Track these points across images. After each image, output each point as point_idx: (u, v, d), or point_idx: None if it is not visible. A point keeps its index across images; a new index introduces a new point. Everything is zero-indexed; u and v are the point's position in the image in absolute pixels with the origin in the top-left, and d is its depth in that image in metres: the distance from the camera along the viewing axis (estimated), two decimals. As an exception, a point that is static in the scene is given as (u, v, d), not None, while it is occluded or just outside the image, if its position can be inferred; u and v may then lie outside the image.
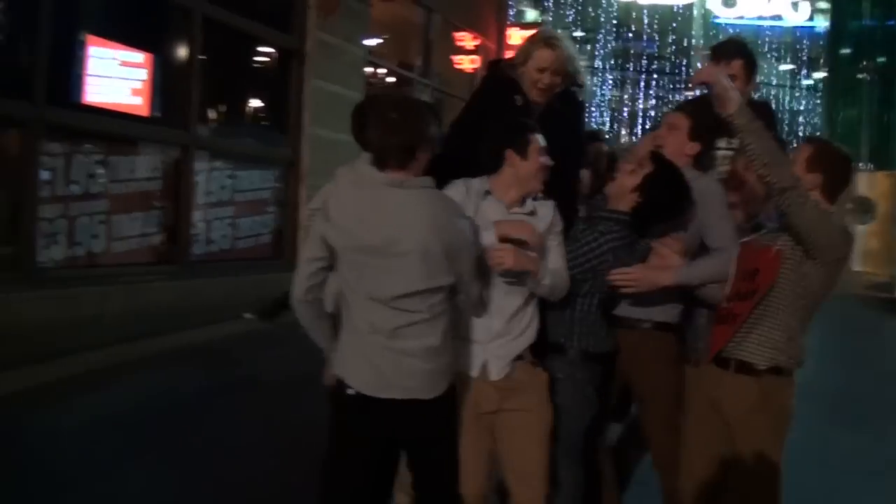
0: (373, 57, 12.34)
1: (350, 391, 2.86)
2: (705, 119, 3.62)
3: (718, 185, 3.67)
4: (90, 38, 7.28)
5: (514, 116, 3.51)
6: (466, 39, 15.12)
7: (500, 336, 3.19)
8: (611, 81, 35.90)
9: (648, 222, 3.48)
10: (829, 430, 6.24)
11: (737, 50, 4.09)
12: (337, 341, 2.97)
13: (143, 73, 7.79)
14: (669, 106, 35.78)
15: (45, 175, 6.70)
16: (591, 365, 3.49)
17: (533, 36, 3.73)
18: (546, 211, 3.34)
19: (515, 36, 15.97)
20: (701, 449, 3.42)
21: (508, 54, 15.80)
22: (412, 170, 2.84)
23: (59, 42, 6.83)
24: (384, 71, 13.00)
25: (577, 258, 3.40)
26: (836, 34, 28.48)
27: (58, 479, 4.27)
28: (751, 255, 3.36)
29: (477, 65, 15.25)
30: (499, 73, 3.81)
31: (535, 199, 3.31)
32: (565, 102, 3.76)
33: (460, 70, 15.38)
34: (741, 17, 33.72)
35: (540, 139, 3.27)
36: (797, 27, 34.51)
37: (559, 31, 3.95)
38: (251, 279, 8.76)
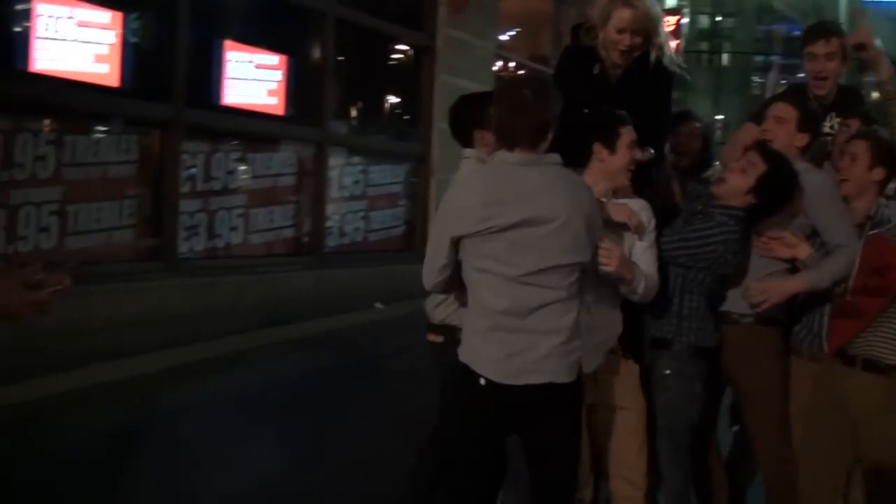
0: (503, 51, 12.43)
1: (482, 381, 2.77)
2: (811, 109, 3.63)
3: (831, 180, 3.57)
4: (227, 42, 7.72)
5: (600, 104, 3.47)
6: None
7: (589, 328, 3.11)
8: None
9: (761, 219, 3.45)
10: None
11: (836, 29, 4.06)
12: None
13: (279, 75, 8.19)
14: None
15: (188, 172, 7.20)
16: (698, 360, 3.45)
17: None
18: (637, 209, 3.29)
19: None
20: (825, 450, 3.36)
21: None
22: (541, 149, 2.83)
23: (199, 47, 7.30)
24: (514, 65, 13.04)
25: (686, 244, 3.37)
26: None
27: (188, 450, 4.63)
28: (881, 250, 3.29)
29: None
30: (576, 41, 3.77)
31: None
32: (653, 73, 3.68)
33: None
34: (892, -5, 31.95)
35: (630, 131, 3.24)
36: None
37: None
38: (383, 270, 9.03)
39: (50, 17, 6.05)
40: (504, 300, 2.76)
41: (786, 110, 3.57)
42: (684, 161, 4.18)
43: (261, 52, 8.02)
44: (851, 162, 3.43)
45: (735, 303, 3.50)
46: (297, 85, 8.39)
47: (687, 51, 35.14)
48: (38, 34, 6.01)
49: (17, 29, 6.04)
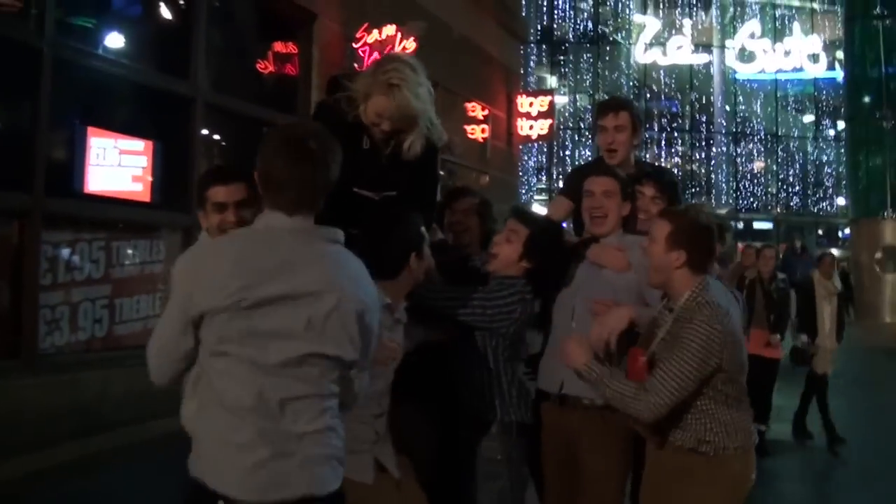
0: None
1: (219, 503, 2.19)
2: (625, 179, 3.69)
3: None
4: (91, 128, 7.54)
5: (370, 184, 3.23)
6: (476, 109, 15.32)
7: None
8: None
9: (543, 285, 3.45)
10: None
11: (625, 103, 4.25)
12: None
13: (144, 161, 8.03)
14: (693, 163, 35.95)
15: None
16: (523, 440, 3.37)
17: (375, 72, 3.26)
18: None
19: (524, 104, 16.18)
20: None
21: (519, 122, 16.14)
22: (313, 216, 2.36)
23: (61, 133, 7.12)
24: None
25: (483, 303, 3.25)
26: (854, 83, 28.41)
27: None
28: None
29: (487, 134, 15.44)
30: (331, 106, 3.34)
31: None
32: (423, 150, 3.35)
33: (473, 139, 15.57)
34: (761, 72, 33.96)
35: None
36: (818, 79, 34.66)
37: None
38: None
39: None
40: (249, 394, 2.20)
41: (611, 184, 3.59)
42: (465, 238, 4.02)
43: (125, 137, 7.84)
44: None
45: (582, 387, 3.30)
46: (165, 170, 8.23)
47: (566, 128, 36.44)
48: None
49: None
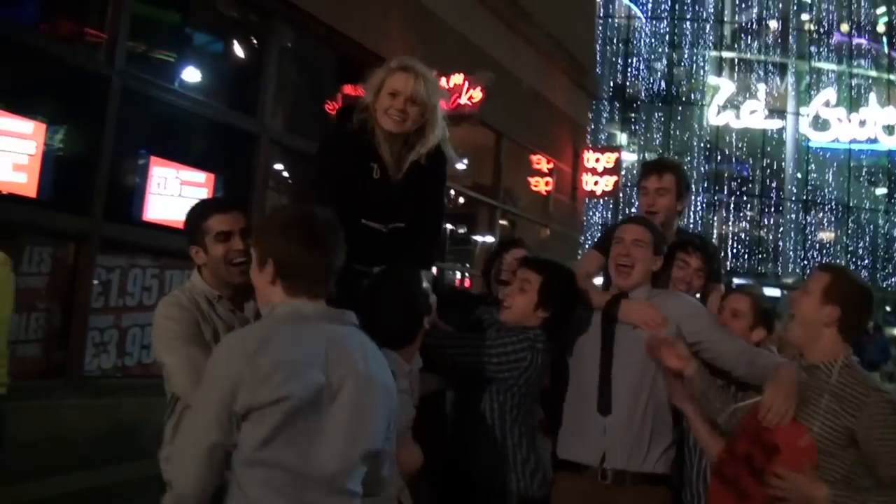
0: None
1: None
2: (662, 233, 3.58)
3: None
4: (154, 158, 7.71)
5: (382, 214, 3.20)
6: (541, 162, 15.31)
7: None
8: (702, 203, 35.66)
9: (560, 333, 3.34)
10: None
11: (671, 165, 4.11)
12: None
13: (204, 192, 8.16)
14: (761, 229, 35.35)
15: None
16: None
17: (388, 63, 3.32)
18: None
19: (591, 159, 16.12)
20: None
21: (584, 177, 16.05)
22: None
23: (122, 161, 7.28)
24: (452, 192, 13.24)
25: (492, 351, 3.15)
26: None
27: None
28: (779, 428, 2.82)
29: (551, 187, 15.40)
30: (346, 135, 3.26)
31: None
32: (432, 161, 3.34)
33: (537, 192, 15.54)
34: (835, 140, 33.39)
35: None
36: (892, 150, 33.93)
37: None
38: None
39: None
40: None
41: (643, 233, 3.46)
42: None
43: (188, 168, 7.98)
44: (733, 318, 3.43)
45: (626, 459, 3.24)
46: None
47: (633, 185, 36.19)
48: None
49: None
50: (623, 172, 35.94)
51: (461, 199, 13.67)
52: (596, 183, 16.02)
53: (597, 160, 16.07)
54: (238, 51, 9.12)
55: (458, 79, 10.52)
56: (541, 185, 15.57)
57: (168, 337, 2.78)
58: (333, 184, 3.17)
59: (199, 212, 2.98)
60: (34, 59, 6.59)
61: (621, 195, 33.42)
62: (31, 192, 6.48)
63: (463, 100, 10.43)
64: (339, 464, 2.12)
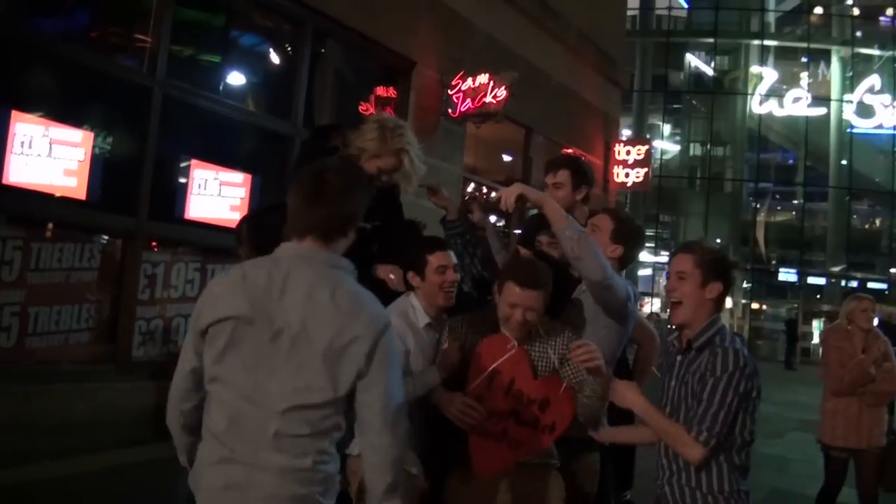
0: (474, 175, 13.10)
1: None
2: (628, 223, 3.99)
3: None
4: (194, 161, 8.31)
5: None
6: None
7: None
8: (747, 193, 35.53)
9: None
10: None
11: (563, 161, 4.57)
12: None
13: (242, 192, 8.74)
14: (806, 217, 35.08)
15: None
16: None
17: (382, 132, 3.85)
18: None
19: (622, 151, 16.41)
20: None
21: (615, 170, 16.37)
22: (337, 248, 2.54)
23: (166, 164, 7.89)
24: (485, 188, 13.69)
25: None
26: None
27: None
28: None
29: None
30: (323, 143, 3.94)
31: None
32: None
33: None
34: (879, 126, 33.10)
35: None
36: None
37: None
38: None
39: (25, 135, 6.62)
40: (224, 421, 2.38)
41: (603, 220, 3.95)
42: None
43: (226, 170, 8.57)
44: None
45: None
46: (262, 202, 8.88)
47: (678, 176, 36.19)
48: (13, 150, 6.56)
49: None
50: (665, 164, 36.22)
51: (493, 194, 14.12)
52: (627, 175, 16.29)
53: (627, 152, 16.34)
54: (273, 57, 9.69)
55: (483, 78, 10.93)
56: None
57: None
58: None
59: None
60: (81, 72, 7.18)
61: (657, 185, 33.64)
62: (81, 194, 7.09)
63: (488, 98, 10.84)
64: (283, 403, 2.35)
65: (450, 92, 11.19)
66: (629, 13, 33.20)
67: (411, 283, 3.75)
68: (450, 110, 11.17)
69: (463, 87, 11.11)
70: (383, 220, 3.96)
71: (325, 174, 2.51)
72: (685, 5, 36.48)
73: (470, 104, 11.06)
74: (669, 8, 35.52)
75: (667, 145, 36.64)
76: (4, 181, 6.50)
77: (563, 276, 3.86)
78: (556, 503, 3.50)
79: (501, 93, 10.87)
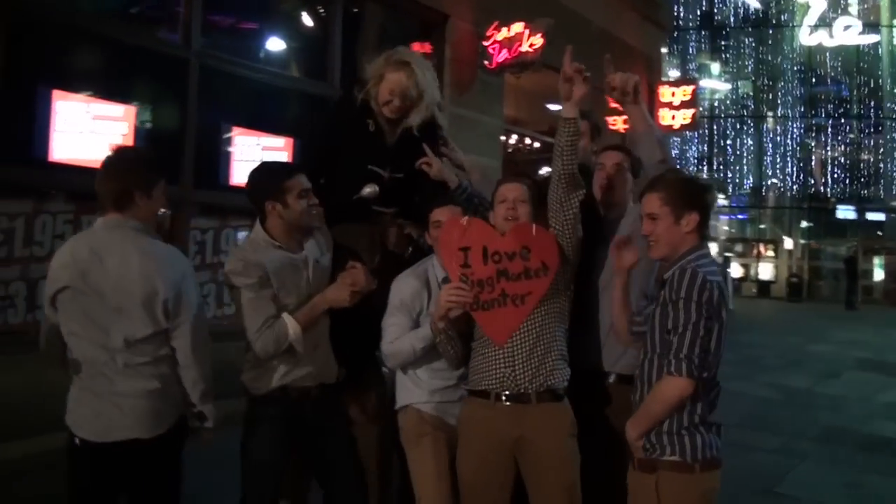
0: (515, 126, 13.06)
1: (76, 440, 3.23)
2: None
3: None
4: (235, 128, 8.45)
5: (377, 163, 3.90)
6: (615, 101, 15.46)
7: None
8: (799, 128, 34.82)
9: None
10: None
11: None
12: None
13: (284, 157, 8.87)
14: (861, 151, 34.25)
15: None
16: None
17: (389, 56, 3.91)
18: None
19: (667, 93, 16.17)
20: None
21: (661, 112, 16.16)
22: (129, 213, 3.25)
23: (207, 133, 8.04)
24: (528, 139, 13.67)
25: None
26: None
27: None
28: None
29: (629, 125, 15.56)
30: (351, 97, 3.98)
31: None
32: (426, 130, 4.01)
33: (615, 130, 15.72)
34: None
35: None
36: None
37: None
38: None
39: (67, 112, 6.80)
40: (83, 365, 3.23)
41: (618, 156, 4.05)
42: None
43: (267, 135, 8.69)
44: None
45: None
46: (303, 165, 8.99)
47: (727, 116, 35.58)
48: (56, 127, 6.74)
49: (39, 124, 6.74)
50: (716, 103, 35.60)
51: (536, 144, 14.09)
52: (673, 117, 16.04)
53: (672, 94, 16.07)
54: (305, 20, 9.73)
55: (518, 27, 10.84)
56: (618, 123, 15.74)
57: None
58: (322, 145, 4.06)
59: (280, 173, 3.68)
60: (120, 48, 7.33)
61: (708, 126, 33.06)
62: (128, 167, 7.25)
63: (524, 47, 10.75)
64: (114, 342, 3.16)
65: (485, 43, 11.14)
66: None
67: (429, 241, 3.81)
68: (486, 62, 11.12)
69: (498, 38, 11.04)
70: (409, 171, 3.98)
71: (106, 158, 3.30)
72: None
73: (506, 54, 10.99)
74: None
75: (718, 84, 35.94)
76: (51, 158, 6.69)
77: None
78: (565, 438, 3.53)
79: (538, 40, 10.76)
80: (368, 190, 3.84)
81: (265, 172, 3.67)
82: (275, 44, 9.28)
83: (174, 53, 7.70)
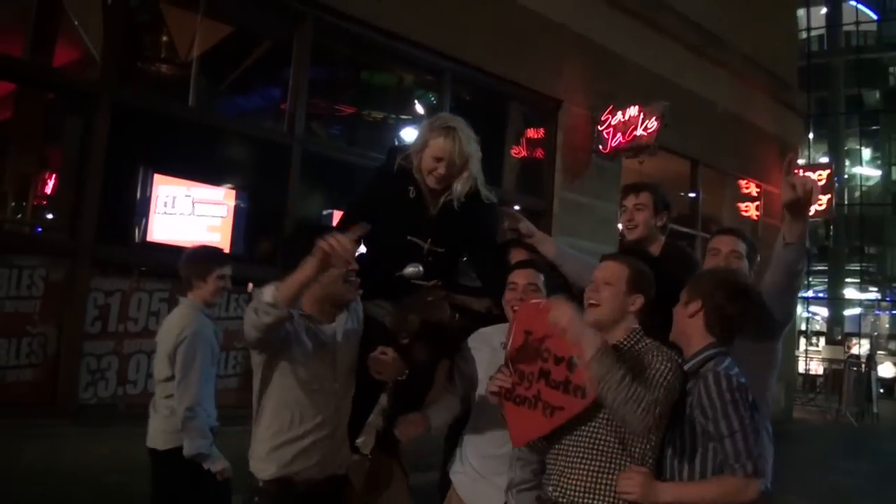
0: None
1: None
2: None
3: None
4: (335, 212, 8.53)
5: (417, 231, 3.70)
6: (750, 186, 14.97)
7: None
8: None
9: None
10: None
11: (645, 185, 4.36)
12: None
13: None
14: None
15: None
16: None
17: (433, 121, 3.73)
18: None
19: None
20: None
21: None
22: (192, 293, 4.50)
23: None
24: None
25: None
26: None
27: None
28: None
29: (760, 211, 15.01)
30: (392, 162, 3.78)
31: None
32: (471, 204, 3.77)
33: (746, 217, 15.17)
34: None
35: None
36: None
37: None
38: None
39: (168, 195, 7.04)
40: None
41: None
42: None
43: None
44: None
45: None
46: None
47: (879, 204, 33.80)
48: (157, 210, 6.99)
49: (141, 206, 7.03)
50: (866, 191, 33.90)
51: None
52: (807, 204, 15.30)
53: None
54: (416, 108, 9.85)
55: (633, 111, 10.65)
56: (751, 209, 15.19)
57: None
58: (362, 208, 3.78)
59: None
60: (227, 137, 7.59)
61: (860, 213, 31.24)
62: (225, 248, 7.44)
63: (639, 131, 10.53)
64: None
65: (599, 128, 10.98)
66: (815, 33, 31.67)
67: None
68: (600, 146, 10.95)
69: (613, 122, 10.87)
70: (450, 245, 3.81)
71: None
72: (874, 16, 34.21)
73: (621, 138, 10.78)
74: (857, 22, 33.06)
75: (867, 170, 34.36)
76: (149, 238, 6.91)
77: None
78: None
79: (652, 124, 10.52)
80: (411, 269, 3.63)
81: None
82: (373, 133, 9.41)
83: (279, 141, 7.87)
